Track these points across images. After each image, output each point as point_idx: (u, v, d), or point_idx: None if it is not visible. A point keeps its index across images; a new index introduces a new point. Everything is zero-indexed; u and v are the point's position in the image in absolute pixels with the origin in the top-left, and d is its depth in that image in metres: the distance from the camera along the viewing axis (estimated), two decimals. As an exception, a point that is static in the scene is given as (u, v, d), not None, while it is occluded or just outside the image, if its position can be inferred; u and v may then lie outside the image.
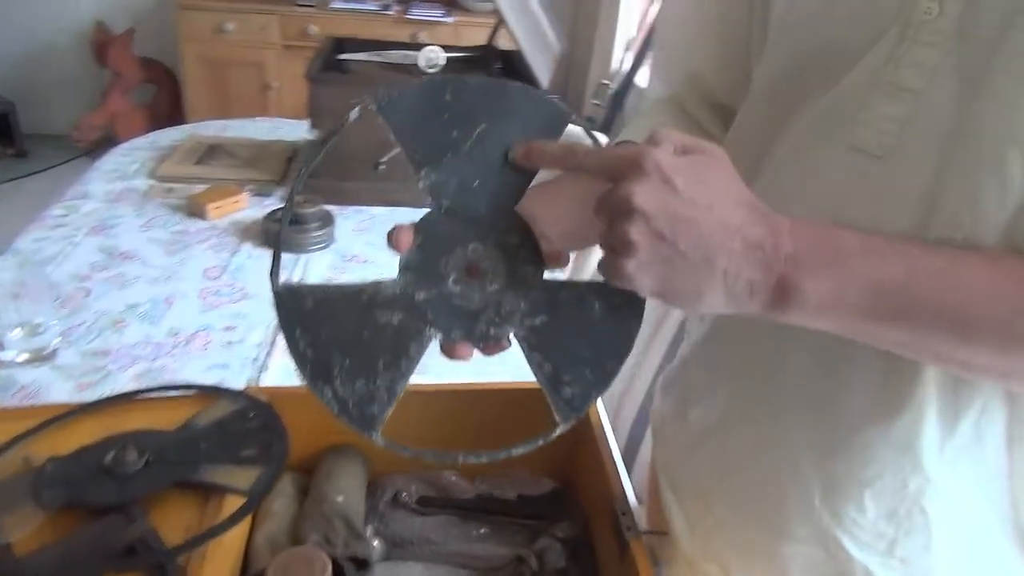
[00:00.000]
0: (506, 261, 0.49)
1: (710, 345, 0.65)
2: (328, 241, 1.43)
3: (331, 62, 1.67)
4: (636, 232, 0.41)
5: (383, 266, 1.42)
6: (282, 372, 1.07)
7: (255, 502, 0.65)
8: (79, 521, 0.64)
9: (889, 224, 0.48)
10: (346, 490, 0.77)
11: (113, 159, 1.72)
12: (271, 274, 0.47)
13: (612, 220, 0.43)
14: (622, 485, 0.72)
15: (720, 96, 0.69)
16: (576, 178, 0.52)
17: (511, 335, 0.49)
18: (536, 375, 0.49)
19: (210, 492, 0.67)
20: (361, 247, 1.45)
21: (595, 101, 2.94)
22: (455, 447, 0.48)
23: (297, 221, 1.40)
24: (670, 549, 0.73)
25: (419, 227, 0.48)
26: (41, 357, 1.05)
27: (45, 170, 3.46)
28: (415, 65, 1.60)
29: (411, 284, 0.48)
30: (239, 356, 1.11)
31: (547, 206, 0.53)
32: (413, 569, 0.74)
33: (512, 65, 1.76)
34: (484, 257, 0.49)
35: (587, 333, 0.49)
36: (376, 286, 0.48)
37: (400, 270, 0.48)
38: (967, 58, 0.45)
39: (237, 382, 1.04)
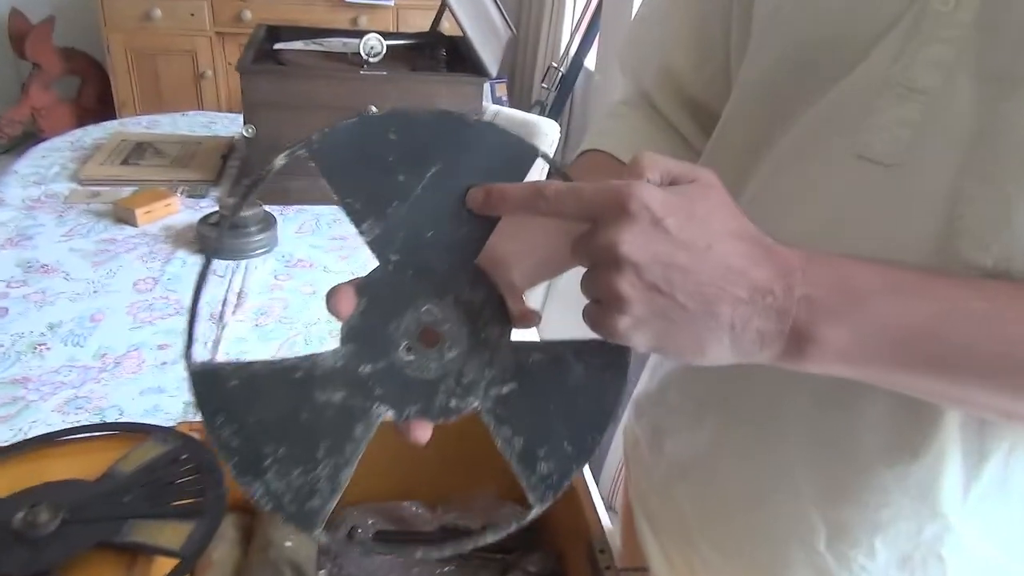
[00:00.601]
0: (467, 322, 0.43)
1: (695, 370, 0.60)
2: (270, 245, 1.34)
3: (265, 52, 1.56)
4: (627, 285, 0.36)
5: (331, 270, 1.34)
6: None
7: (189, 563, 0.57)
8: (-17, 597, 0.55)
9: (902, 244, 0.42)
10: (295, 532, 0.70)
11: (30, 161, 1.59)
12: (185, 350, 0.40)
13: (598, 270, 0.37)
14: (598, 516, 0.67)
15: (695, 92, 0.63)
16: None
17: (475, 407, 0.43)
18: (504, 452, 0.43)
19: (137, 554, 0.59)
20: (306, 250, 1.36)
21: (544, 85, 2.87)
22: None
23: (236, 225, 1.31)
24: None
25: (363, 288, 0.41)
26: (-50, 389, 0.95)
27: (-36, 170, 3.25)
28: (356, 54, 1.51)
29: (355, 356, 0.41)
30: (175, 377, 1.02)
31: (512, 237, 0.47)
32: (372, 617, 0.67)
33: (458, 51, 1.68)
34: (441, 320, 0.43)
35: (564, 400, 0.43)
36: (312, 360, 0.41)
37: (342, 339, 0.41)
38: (990, 54, 0.39)
39: (174, 407, 0.96)
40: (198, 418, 0.40)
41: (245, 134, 1.43)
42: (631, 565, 0.65)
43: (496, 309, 0.43)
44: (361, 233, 0.41)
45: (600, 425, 0.44)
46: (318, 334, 1.13)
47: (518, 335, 0.43)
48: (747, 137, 0.53)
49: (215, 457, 0.68)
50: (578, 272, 0.40)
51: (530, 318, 0.44)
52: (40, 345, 1.06)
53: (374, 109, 1.45)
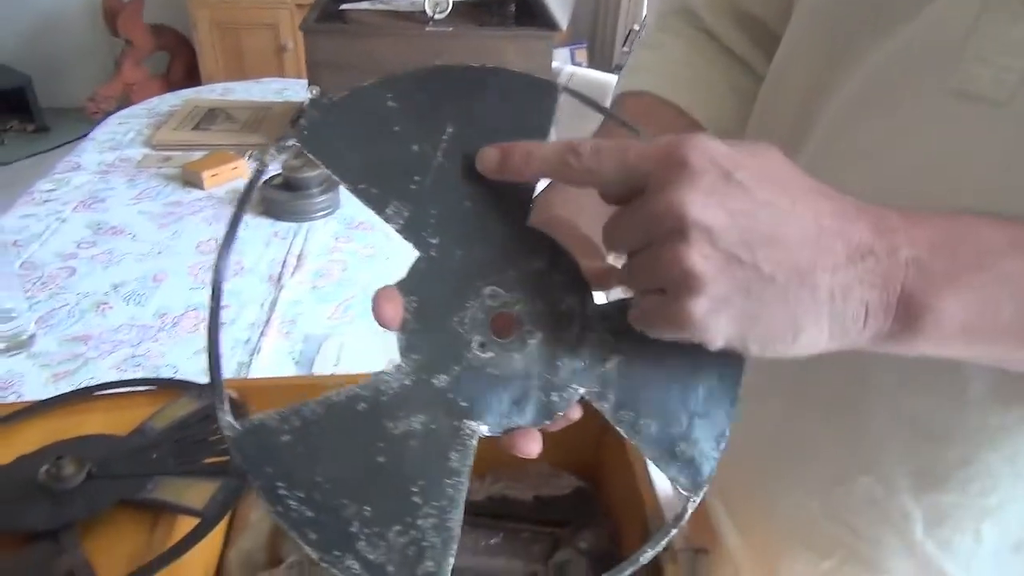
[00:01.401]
0: (540, 297, 0.36)
1: None
2: (332, 207, 1.32)
3: (330, 12, 1.53)
4: (699, 257, 0.28)
5: (393, 234, 1.29)
6: (277, 355, 0.97)
7: (210, 525, 0.54)
8: (5, 549, 0.54)
9: (1015, 197, 0.34)
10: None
11: (108, 128, 1.62)
12: (217, 411, 0.33)
13: (656, 248, 0.30)
14: (654, 492, 0.60)
15: (750, 5, 0.54)
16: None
17: (581, 394, 0.36)
18: (636, 442, 0.36)
19: (160, 512, 0.56)
20: (368, 212, 1.32)
21: (625, 49, 2.76)
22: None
23: (297, 187, 1.29)
24: (715, 557, 0.61)
25: (408, 285, 0.35)
26: (16, 345, 0.96)
27: (65, 144, 3.40)
28: (422, 11, 1.46)
29: (423, 368, 0.35)
30: (230, 338, 1.00)
31: (568, 200, 0.40)
32: (409, 591, 0.63)
33: (527, 6, 1.61)
34: (511, 301, 0.36)
35: (681, 358, 0.36)
36: (375, 385, 0.34)
37: (401, 351, 0.35)
38: None
39: (227, 367, 0.94)
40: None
41: (310, 95, 1.40)
42: (693, 545, 0.58)
43: (568, 273, 0.37)
44: (387, 220, 0.34)
45: (731, 381, 0.37)
46: (376, 296, 1.10)
47: (601, 297, 0.37)
48: (808, 78, 0.45)
49: (248, 414, 0.64)
50: None
51: (608, 276, 0.36)
52: (103, 304, 1.06)
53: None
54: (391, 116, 0.34)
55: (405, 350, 0.35)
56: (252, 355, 0.96)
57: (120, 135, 1.59)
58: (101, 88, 3.29)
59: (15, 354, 0.96)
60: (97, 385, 0.69)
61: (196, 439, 0.62)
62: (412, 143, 0.35)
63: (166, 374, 0.93)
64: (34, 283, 1.09)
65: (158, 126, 1.60)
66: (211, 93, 1.83)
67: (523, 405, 0.36)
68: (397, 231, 0.35)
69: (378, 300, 0.34)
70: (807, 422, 0.48)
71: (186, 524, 0.54)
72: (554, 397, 0.36)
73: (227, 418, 0.32)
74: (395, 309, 0.34)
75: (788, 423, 0.50)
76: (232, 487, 0.57)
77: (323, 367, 0.94)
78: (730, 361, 0.37)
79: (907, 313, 0.30)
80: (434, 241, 0.35)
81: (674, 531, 0.36)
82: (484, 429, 0.35)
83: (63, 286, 1.09)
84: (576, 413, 0.37)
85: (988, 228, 0.31)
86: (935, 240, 0.30)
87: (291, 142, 0.33)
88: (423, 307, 0.35)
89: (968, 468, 0.41)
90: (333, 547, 0.32)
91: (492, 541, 0.68)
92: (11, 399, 0.86)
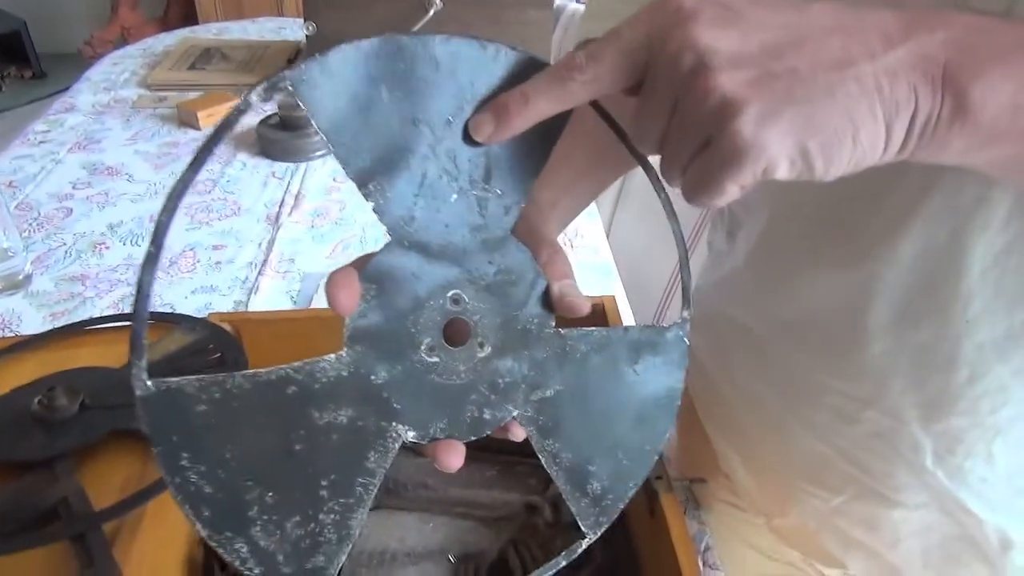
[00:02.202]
0: (501, 312, 0.35)
1: (751, 276, 0.51)
2: (330, 147, 1.29)
3: (327, -55, 1.48)
4: (727, 80, 0.26)
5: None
6: (274, 294, 0.96)
7: (203, 453, 0.54)
8: (1, 479, 0.54)
9: None
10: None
11: (103, 69, 1.59)
12: (131, 367, 0.29)
13: (685, 102, 0.28)
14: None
15: None
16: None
17: (513, 416, 0.35)
18: (549, 468, 0.36)
19: (155, 441, 0.56)
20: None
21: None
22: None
23: (294, 127, 1.27)
24: (713, 487, 0.61)
25: (372, 271, 0.33)
26: (12, 285, 0.96)
27: (64, 90, 3.35)
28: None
29: (364, 361, 0.33)
30: (228, 277, 1.00)
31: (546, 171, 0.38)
32: (404, 521, 0.63)
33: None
34: (470, 309, 0.34)
35: (619, 401, 0.36)
36: (310, 369, 0.32)
37: (346, 340, 0.32)
38: None
39: (224, 306, 0.94)
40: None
41: (306, 32, 1.37)
42: (689, 475, 0.58)
43: (536, 293, 0.35)
44: (366, 196, 0.31)
45: (660, 430, 0.37)
46: (374, 236, 1.09)
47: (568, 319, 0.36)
48: None
49: (242, 347, 0.64)
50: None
51: (573, 305, 0.35)
52: (100, 244, 1.05)
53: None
54: (400, 79, 0.31)
55: (350, 339, 0.32)
56: (250, 294, 0.96)
57: (115, 75, 1.56)
58: (97, 32, 3.23)
59: (12, 294, 0.95)
60: (89, 320, 0.69)
61: (190, 371, 0.62)
62: (409, 116, 0.32)
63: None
64: (30, 224, 1.08)
65: (153, 66, 1.57)
66: (207, 32, 1.79)
67: (455, 417, 0.34)
68: (373, 210, 0.32)
69: (332, 285, 0.31)
70: (811, 365, 0.48)
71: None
72: (487, 415, 0.35)
73: (141, 375, 0.29)
74: (349, 296, 0.31)
75: (794, 368, 0.50)
76: (225, 418, 0.57)
77: (321, 306, 0.93)
78: (663, 412, 0.37)
79: (955, 90, 0.27)
80: (412, 231, 0.33)
81: (563, 563, 0.36)
82: (411, 435, 0.33)
83: (60, 226, 1.08)
84: (518, 434, 0.35)
85: (1003, 26, 0.29)
86: (970, 24, 0.28)
87: (284, 84, 0.29)
88: (381, 297, 0.33)
89: (976, 385, 0.40)
90: (226, 527, 0.31)
91: (488, 474, 0.68)
92: (9, 337, 0.85)
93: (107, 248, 1.05)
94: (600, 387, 0.36)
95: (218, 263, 1.03)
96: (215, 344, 0.64)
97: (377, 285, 0.33)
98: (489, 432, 0.35)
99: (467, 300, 0.34)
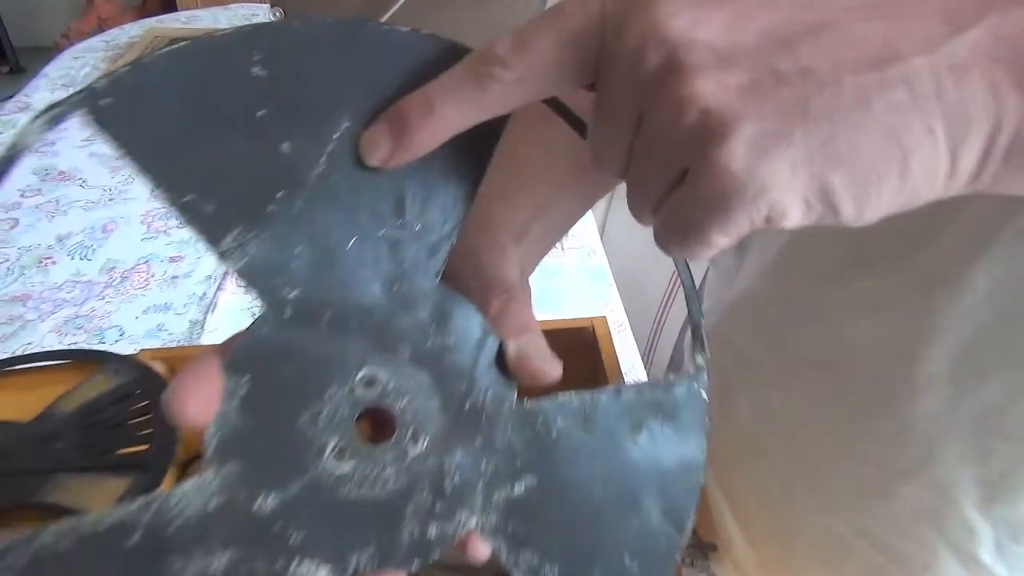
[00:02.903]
0: (438, 385, 0.26)
1: (765, 301, 0.42)
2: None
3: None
4: (706, 85, 0.18)
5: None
6: (233, 312, 0.87)
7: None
8: None
9: None
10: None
11: (62, 63, 1.49)
12: None
13: (646, 114, 0.19)
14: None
15: None
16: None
17: (471, 527, 0.26)
18: None
19: (62, 515, 0.48)
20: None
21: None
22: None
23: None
24: (722, 553, 0.52)
25: (238, 361, 0.24)
26: (-53, 308, 0.87)
27: (42, 86, 3.25)
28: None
29: (240, 483, 0.23)
30: (184, 293, 0.91)
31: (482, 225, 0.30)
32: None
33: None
34: (391, 392, 0.25)
35: (618, 485, 0.28)
36: (160, 507, 0.23)
37: (211, 458, 0.23)
38: None
39: (179, 327, 0.85)
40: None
41: (272, 18, 1.27)
42: (700, 539, 0.49)
43: (483, 352, 0.27)
44: (223, 256, 0.23)
45: (678, 519, 0.28)
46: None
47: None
48: None
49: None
50: None
51: (536, 371, 0.26)
52: (46, 259, 0.96)
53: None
54: (254, 92, 0.22)
55: (215, 455, 0.23)
56: (207, 313, 0.87)
57: (75, 70, 1.46)
58: (74, 23, 3.12)
59: (-52, 317, 0.87)
60: (2, 360, 0.60)
61: (111, 423, 0.53)
62: (283, 138, 0.23)
63: (111, 337, 0.84)
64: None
65: (116, 59, 1.47)
66: (175, 21, 1.69)
67: (388, 540, 0.25)
68: (236, 273, 0.23)
69: (174, 392, 0.22)
70: (837, 419, 0.39)
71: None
72: (433, 531, 0.26)
73: None
74: (201, 404, 0.22)
75: (813, 420, 0.41)
76: (144, 485, 0.48)
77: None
78: (681, 494, 0.28)
79: None
80: (292, 295, 0.24)
81: None
82: (322, 574, 0.25)
83: (3, 240, 0.99)
84: (480, 550, 0.26)
85: None
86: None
87: (78, 113, 0.22)
88: (257, 393, 0.24)
89: None
90: None
91: None
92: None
93: (53, 263, 0.96)
94: (589, 472, 0.27)
95: (174, 277, 0.94)
96: (143, 389, 0.55)
97: (252, 375, 0.24)
98: (439, 553, 0.26)
99: (386, 380, 0.25)
